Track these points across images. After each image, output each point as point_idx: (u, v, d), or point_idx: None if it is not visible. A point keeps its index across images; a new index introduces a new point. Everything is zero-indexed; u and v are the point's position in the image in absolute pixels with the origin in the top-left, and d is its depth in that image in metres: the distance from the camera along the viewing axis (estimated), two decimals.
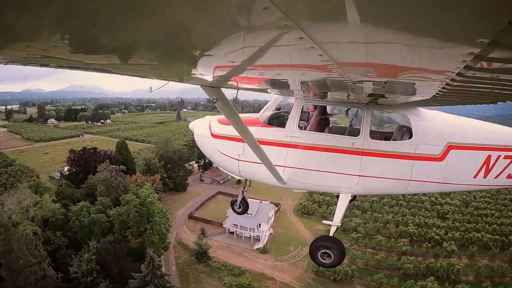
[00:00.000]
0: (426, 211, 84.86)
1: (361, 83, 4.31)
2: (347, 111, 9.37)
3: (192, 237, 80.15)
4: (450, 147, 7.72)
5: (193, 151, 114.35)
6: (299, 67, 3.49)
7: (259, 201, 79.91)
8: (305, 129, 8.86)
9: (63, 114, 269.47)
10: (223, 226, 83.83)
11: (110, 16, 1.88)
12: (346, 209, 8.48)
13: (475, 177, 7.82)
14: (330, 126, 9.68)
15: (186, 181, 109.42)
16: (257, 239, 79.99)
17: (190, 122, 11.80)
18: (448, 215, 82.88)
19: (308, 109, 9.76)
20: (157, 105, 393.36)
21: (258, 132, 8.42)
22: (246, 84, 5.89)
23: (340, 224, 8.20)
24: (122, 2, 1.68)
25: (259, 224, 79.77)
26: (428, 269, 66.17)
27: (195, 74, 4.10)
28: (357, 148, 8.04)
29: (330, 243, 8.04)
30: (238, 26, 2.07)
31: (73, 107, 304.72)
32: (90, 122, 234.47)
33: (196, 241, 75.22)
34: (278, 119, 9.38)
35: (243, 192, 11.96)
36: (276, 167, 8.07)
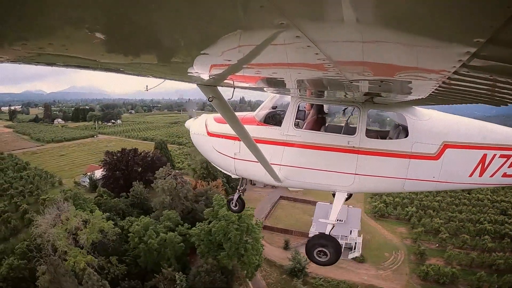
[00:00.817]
0: (490, 209, 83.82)
1: (357, 81, 4.32)
2: (344, 110, 9.39)
3: (274, 251, 70.40)
4: (446, 146, 7.75)
5: None
6: (296, 65, 3.49)
7: (346, 206, 68.73)
8: (301, 127, 8.87)
9: (70, 114, 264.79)
10: (310, 236, 71.20)
11: (106, 14, 1.87)
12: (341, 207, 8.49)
13: (470, 175, 7.86)
14: (326, 124, 9.69)
15: None
16: (349, 248, 70.26)
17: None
18: (510, 212, 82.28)
19: (304, 107, 9.75)
20: (164, 105, 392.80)
21: (254, 131, 8.41)
22: (243, 82, 5.88)
23: (336, 222, 8.23)
24: (117, 0, 1.66)
25: (351, 231, 72.06)
26: None
27: (191, 72, 4.08)
28: (353, 146, 8.06)
29: (326, 241, 8.06)
30: (234, 25, 2.06)
31: (80, 107, 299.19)
32: (100, 122, 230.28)
33: (294, 256, 63.88)
34: (274, 118, 9.37)
35: (239, 190, 11.96)
36: (272, 165, 8.06)
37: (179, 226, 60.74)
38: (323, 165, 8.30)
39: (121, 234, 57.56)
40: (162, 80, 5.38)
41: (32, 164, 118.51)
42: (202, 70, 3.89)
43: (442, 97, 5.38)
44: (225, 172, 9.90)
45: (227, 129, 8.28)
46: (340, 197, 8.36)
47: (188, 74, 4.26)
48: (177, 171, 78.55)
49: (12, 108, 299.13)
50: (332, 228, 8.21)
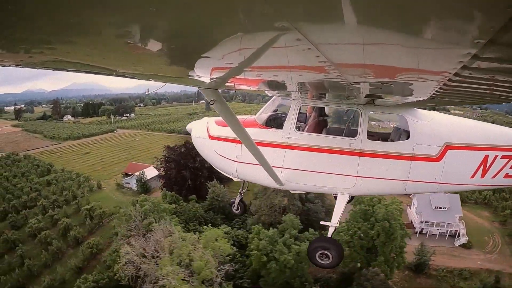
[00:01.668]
0: None
1: (358, 84, 4.32)
2: (345, 112, 9.39)
3: None
4: (447, 147, 7.74)
5: None
6: (296, 68, 3.49)
7: (445, 194, 65.40)
8: (302, 130, 8.87)
9: (80, 110, 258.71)
10: (415, 226, 71.31)
11: (105, 18, 1.87)
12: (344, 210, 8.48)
13: (472, 177, 7.85)
14: (328, 127, 9.69)
15: None
16: (452, 235, 70.20)
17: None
18: None
19: (305, 110, 9.76)
20: (171, 97, 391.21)
21: (256, 134, 8.41)
22: (244, 85, 5.90)
23: (338, 225, 8.21)
24: (119, 3, 1.67)
25: (455, 218, 70.36)
26: None
27: (193, 75, 4.09)
28: (355, 149, 8.06)
29: (328, 244, 8.05)
30: (235, 28, 2.07)
31: (90, 102, 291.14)
32: (113, 116, 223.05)
33: (419, 249, 60.04)
34: (275, 121, 9.38)
35: (240, 193, 11.95)
36: (273, 168, 8.06)
37: (305, 232, 50.40)
38: (325, 168, 8.30)
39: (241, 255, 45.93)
40: (163, 83, 5.40)
41: (56, 166, 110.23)
42: (203, 73, 3.90)
43: (443, 99, 5.38)
44: (227, 175, 9.90)
45: (228, 132, 8.29)
46: (342, 200, 8.35)
47: (190, 77, 4.28)
48: None
49: (17, 107, 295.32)
50: (334, 231, 8.19)
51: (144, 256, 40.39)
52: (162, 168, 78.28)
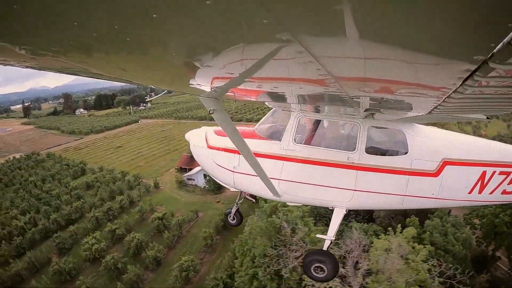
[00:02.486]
0: None
1: (358, 98, 4.34)
2: (343, 125, 9.40)
3: None
4: (445, 163, 7.75)
5: None
6: (297, 80, 3.51)
7: None
8: (301, 142, 8.87)
9: (92, 103, 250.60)
10: None
11: (107, 25, 1.88)
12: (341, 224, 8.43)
13: (470, 192, 7.84)
14: (326, 140, 9.69)
15: None
16: None
17: None
18: None
19: (304, 122, 9.78)
20: None
21: (255, 145, 8.42)
22: (244, 96, 5.92)
23: (334, 239, 8.15)
24: (119, 11, 1.68)
25: None
26: None
27: (193, 84, 4.11)
28: (353, 162, 8.05)
29: (323, 257, 7.98)
30: (237, 39, 2.08)
31: (102, 94, 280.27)
32: (128, 107, 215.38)
33: None
34: (274, 132, 9.39)
35: (237, 203, 11.89)
36: (271, 179, 8.04)
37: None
38: (322, 181, 8.28)
39: None
40: (164, 91, 5.41)
41: (89, 164, 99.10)
42: (204, 82, 3.92)
43: (443, 114, 5.40)
44: (224, 185, 9.87)
45: (227, 142, 8.29)
46: (339, 213, 8.31)
47: (190, 86, 4.29)
48: None
49: (26, 104, 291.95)
50: (330, 244, 8.13)
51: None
52: None
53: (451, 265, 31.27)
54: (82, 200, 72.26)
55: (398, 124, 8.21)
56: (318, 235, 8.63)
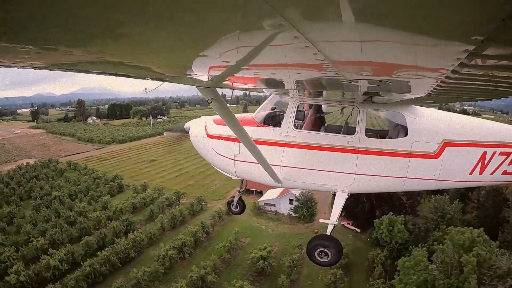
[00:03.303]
0: None
1: (356, 81, 4.32)
2: (342, 109, 9.40)
3: None
4: (445, 144, 7.76)
5: None
6: (294, 66, 3.49)
7: None
8: (300, 128, 8.87)
9: (106, 112, 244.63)
10: None
11: (104, 15, 1.86)
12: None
13: (471, 173, 7.87)
14: (326, 124, 9.70)
15: None
16: None
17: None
18: None
19: (303, 108, 9.77)
20: (192, 102, 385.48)
21: (254, 132, 8.43)
22: (241, 83, 5.89)
23: (337, 223, 8.22)
24: (115, 1, 1.66)
25: None
26: None
27: (190, 74, 4.09)
28: (353, 146, 8.07)
29: (327, 242, 8.06)
30: (232, 26, 2.06)
31: (116, 103, 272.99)
32: (145, 118, 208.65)
33: None
34: (273, 119, 9.39)
35: (239, 192, 11.96)
36: (272, 166, 8.07)
37: None
38: (323, 166, 8.31)
39: None
40: (161, 82, 5.39)
41: (124, 179, 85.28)
42: (200, 72, 3.90)
43: (441, 96, 5.39)
44: (225, 174, 9.90)
45: (226, 130, 8.29)
46: (341, 198, 8.36)
47: (187, 76, 4.27)
48: None
49: (34, 108, 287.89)
50: (333, 229, 8.20)
51: None
52: None
53: None
54: (135, 228, 58.23)
55: (397, 107, 8.20)
56: (321, 220, 8.70)
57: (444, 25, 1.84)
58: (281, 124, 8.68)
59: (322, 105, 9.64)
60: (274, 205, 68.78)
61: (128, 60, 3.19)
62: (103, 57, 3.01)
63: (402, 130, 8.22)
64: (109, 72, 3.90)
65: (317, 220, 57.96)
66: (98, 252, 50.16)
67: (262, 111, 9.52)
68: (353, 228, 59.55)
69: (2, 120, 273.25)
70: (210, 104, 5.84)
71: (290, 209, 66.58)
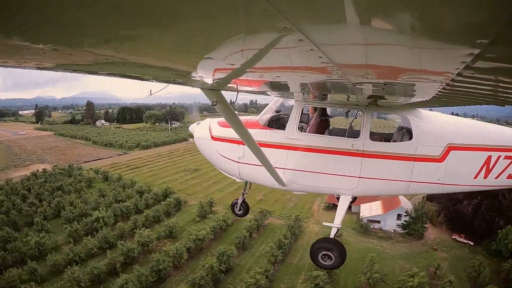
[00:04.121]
0: None
1: (360, 84, 4.32)
2: (347, 112, 9.38)
3: None
4: (450, 148, 7.72)
5: None
6: (299, 69, 3.49)
7: None
8: (305, 131, 8.87)
9: (115, 115, 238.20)
10: None
11: (110, 18, 1.88)
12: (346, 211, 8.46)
13: (475, 177, 7.82)
14: (330, 128, 9.69)
15: None
16: None
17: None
18: None
19: (308, 111, 9.76)
20: (201, 108, 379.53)
21: (258, 135, 8.43)
22: (246, 86, 5.90)
23: (341, 226, 8.19)
24: (122, 3, 1.68)
25: None
26: None
27: (195, 76, 4.10)
28: (357, 149, 8.05)
29: (331, 245, 8.03)
30: (237, 29, 2.07)
31: (127, 107, 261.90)
32: (159, 123, 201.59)
33: None
34: (278, 121, 9.38)
35: (243, 194, 11.95)
36: (276, 169, 8.06)
37: None
38: (327, 169, 8.29)
39: None
40: (166, 84, 5.41)
41: (176, 193, 72.76)
42: (205, 74, 3.91)
43: (446, 99, 5.37)
44: (230, 176, 9.91)
45: (231, 133, 8.30)
46: (345, 201, 8.34)
47: (192, 78, 4.29)
48: None
49: (37, 110, 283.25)
50: (336, 232, 8.17)
51: None
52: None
53: None
54: (230, 257, 47.52)
55: (402, 110, 8.17)
56: (324, 223, 8.67)
57: (449, 28, 1.84)
58: (285, 127, 8.67)
59: (327, 108, 9.63)
60: (379, 222, 62.62)
61: (133, 61, 3.21)
62: (109, 59, 3.03)
63: (406, 134, 8.18)
64: (116, 73, 3.92)
65: (428, 235, 57.93)
66: None
67: (266, 113, 9.52)
68: (465, 241, 56.90)
69: (4, 121, 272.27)
70: (214, 106, 5.86)
71: (397, 225, 61.34)
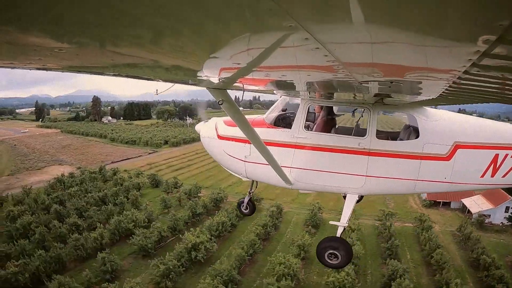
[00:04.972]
0: None
1: (366, 83, 4.31)
2: (353, 111, 9.36)
3: None
4: (457, 146, 7.67)
5: None
6: (305, 68, 3.50)
7: None
8: (311, 129, 8.86)
9: (122, 111, 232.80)
10: None
11: (116, 17, 1.90)
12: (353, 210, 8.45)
13: (482, 176, 7.76)
14: (337, 126, 9.67)
15: None
16: None
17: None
18: None
19: (314, 109, 9.75)
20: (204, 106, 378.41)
21: (265, 133, 8.44)
22: (252, 85, 5.92)
23: (347, 225, 8.18)
24: (128, 2, 1.69)
25: None
26: None
27: (201, 76, 4.12)
28: (364, 148, 8.03)
29: (337, 244, 8.03)
30: (243, 28, 2.08)
31: (134, 103, 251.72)
32: (172, 119, 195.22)
33: None
34: (284, 120, 9.39)
35: (250, 193, 11.97)
36: (282, 168, 8.07)
37: None
38: (334, 167, 8.28)
39: None
40: (172, 84, 5.44)
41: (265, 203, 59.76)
42: (211, 73, 3.93)
43: (453, 97, 5.34)
44: (236, 175, 9.93)
45: (237, 132, 8.32)
46: (351, 199, 8.33)
47: (198, 77, 4.31)
48: None
49: (34, 108, 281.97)
50: (343, 231, 8.17)
51: None
52: None
53: None
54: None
55: (408, 108, 8.14)
56: (331, 222, 8.66)
57: (456, 26, 1.83)
58: (291, 125, 8.68)
59: (333, 107, 9.62)
60: (489, 216, 62.41)
61: (140, 61, 3.23)
62: (115, 60, 3.06)
63: (413, 132, 8.15)
64: (122, 74, 3.95)
65: None
66: None
67: (272, 112, 9.53)
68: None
69: (1, 119, 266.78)
70: (220, 105, 5.88)
71: (505, 217, 61.45)
